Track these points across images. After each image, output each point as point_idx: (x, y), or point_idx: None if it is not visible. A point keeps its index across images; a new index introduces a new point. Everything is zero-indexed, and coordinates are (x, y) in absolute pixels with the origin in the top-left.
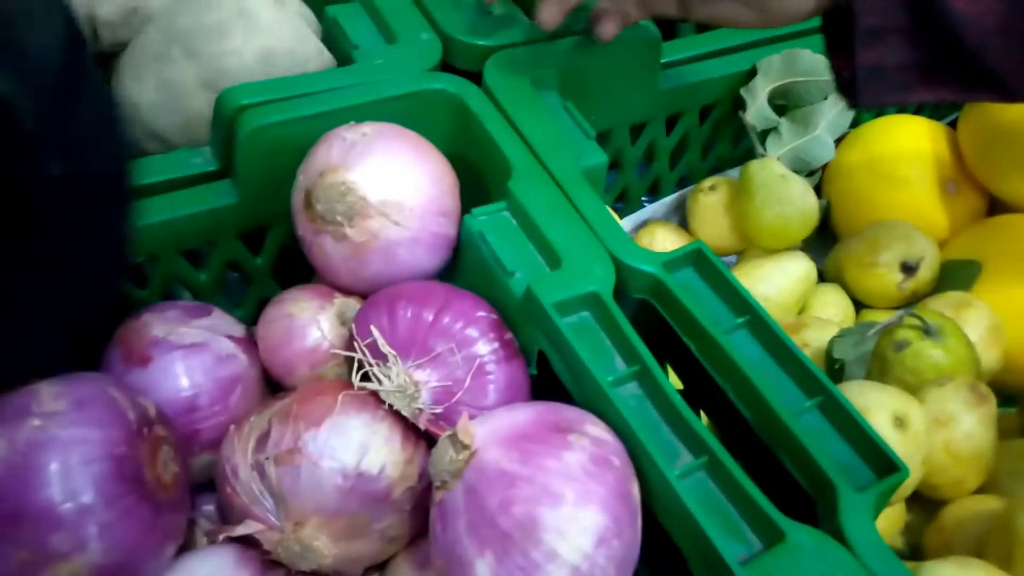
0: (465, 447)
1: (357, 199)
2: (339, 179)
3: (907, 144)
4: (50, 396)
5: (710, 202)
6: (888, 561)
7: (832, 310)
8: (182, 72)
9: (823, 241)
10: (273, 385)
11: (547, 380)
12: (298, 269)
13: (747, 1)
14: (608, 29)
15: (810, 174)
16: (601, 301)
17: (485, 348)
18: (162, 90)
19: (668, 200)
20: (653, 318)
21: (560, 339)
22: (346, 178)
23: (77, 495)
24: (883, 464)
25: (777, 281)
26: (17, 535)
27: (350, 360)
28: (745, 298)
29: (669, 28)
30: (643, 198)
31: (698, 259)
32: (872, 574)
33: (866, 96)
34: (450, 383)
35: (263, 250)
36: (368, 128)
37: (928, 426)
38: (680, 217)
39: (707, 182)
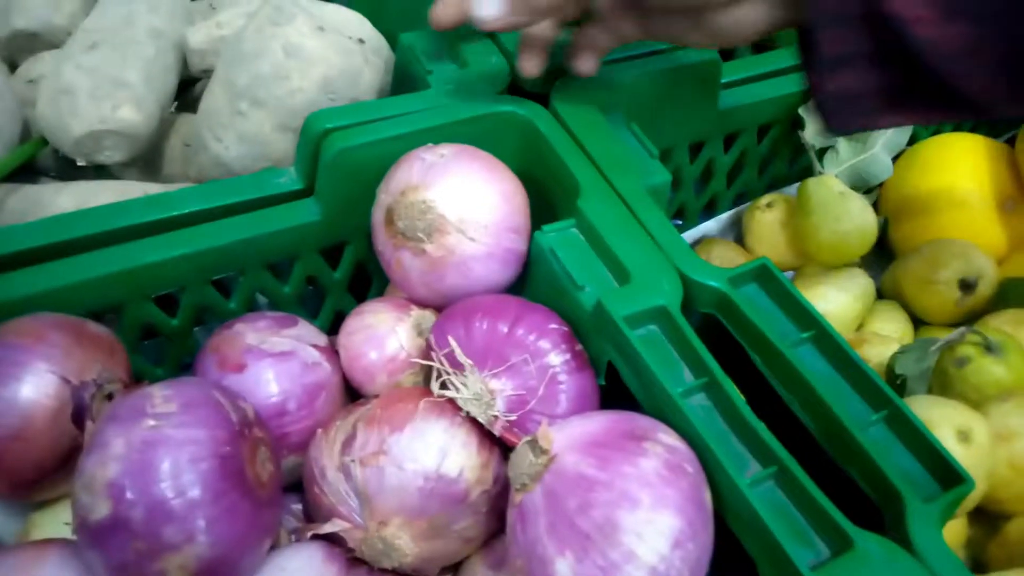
0: (544, 452)
1: (436, 216)
2: (419, 197)
3: (964, 162)
4: (161, 399)
5: (767, 219)
6: (956, 570)
7: (891, 326)
8: (257, 123)
9: (881, 258)
10: (352, 392)
11: (616, 391)
12: (370, 283)
13: (696, 22)
14: (586, 65)
15: (868, 191)
16: (669, 315)
17: (557, 359)
18: (244, 143)
19: (725, 217)
20: (718, 332)
21: (630, 351)
22: (426, 196)
23: (187, 491)
24: (949, 476)
25: (835, 298)
26: (133, 527)
27: (427, 369)
28: (810, 313)
29: (726, 50)
30: (700, 215)
31: (763, 275)
32: None
33: (836, 121)
34: (524, 392)
35: (340, 264)
36: (445, 149)
37: (991, 440)
38: (736, 234)
39: (764, 199)
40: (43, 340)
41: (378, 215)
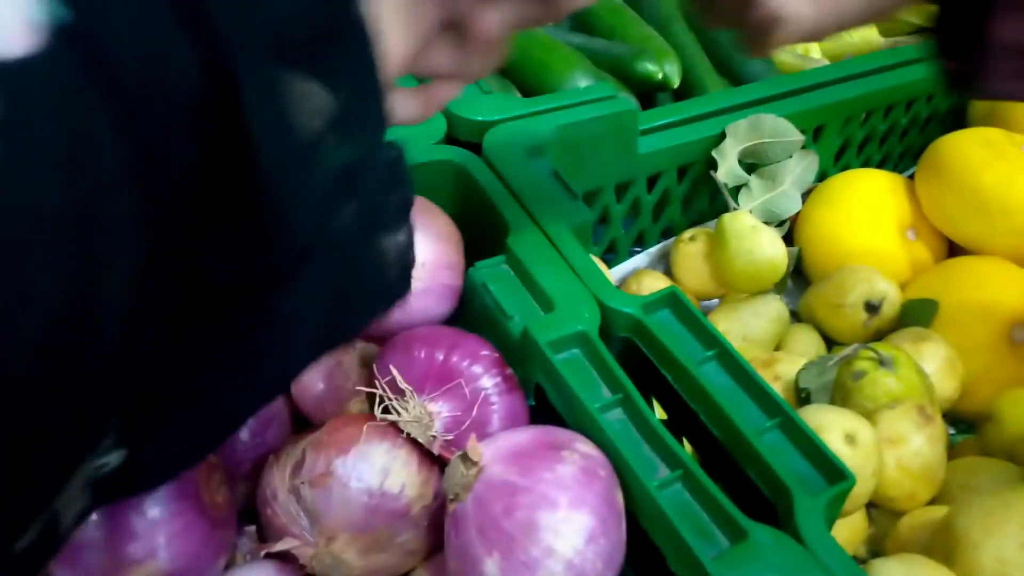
0: (474, 464)
1: None
2: None
3: (867, 194)
4: None
5: (691, 251)
6: (837, 555)
7: (805, 347)
8: None
9: (798, 284)
10: (300, 420)
11: (543, 409)
12: None
13: None
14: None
15: (780, 224)
16: (589, 339)
17: (489, 382)
18: None
19: (653, 250)
20: (635, 354)
21: (554, 373)
22: None
23: (148, 510)
24: (834, 473)
25: (753, 323)
26: (101, 543)
27: (372, 396)
28: (714, 334)
29: (649, 98)
30: (630, 249)
31: (673, 301)
32: (822, 566)
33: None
34: (459, 413)
35: None
36: None
37: (877, 442)
38: (665, 266)
39: (687, 233)
40: None
41: None
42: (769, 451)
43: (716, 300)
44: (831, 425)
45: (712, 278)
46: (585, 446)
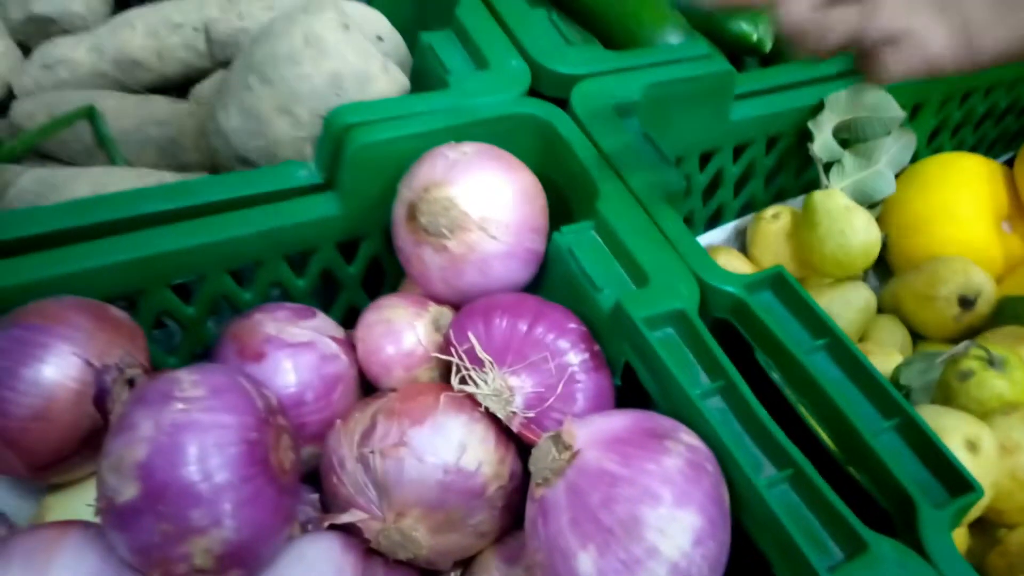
0: (567, 447)
1: (459, 213)
2: (442, 194)
3: (964, 181)
4: (190, 383)
5: (773, 229)
6: (966, 574)
7: (890, 340)
8: (260, 99)
9: (879, 273)
10: (367, 385)
11: (631, 391)
12: (384, 279)
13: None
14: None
15: (871, 207)
16: (687, 318)
17: (575, 358)
18: (245, 117)
19: (730, 226)
20: (731, 337)
21: (649, 352)
22: (449, 193)
23: (215, 474)
24: (958, 484)
25: (839, 310)
26: (161, 509)
27: (444, 364)
28: (825, 321)
29: (734, 62)
30: (706, 223)
31: (778, 282)
32: None
33: None
34: (542, 389)
35: (356, 259)
36: (468, 148)
37: (998, 451)
38: (741, 243)
39: (770, 210)
40: (66, 322)
41: (400, 211)
42: (887, 454)
43: None
44: (952, 429)
45: (793, 259)
46: (690, 437)
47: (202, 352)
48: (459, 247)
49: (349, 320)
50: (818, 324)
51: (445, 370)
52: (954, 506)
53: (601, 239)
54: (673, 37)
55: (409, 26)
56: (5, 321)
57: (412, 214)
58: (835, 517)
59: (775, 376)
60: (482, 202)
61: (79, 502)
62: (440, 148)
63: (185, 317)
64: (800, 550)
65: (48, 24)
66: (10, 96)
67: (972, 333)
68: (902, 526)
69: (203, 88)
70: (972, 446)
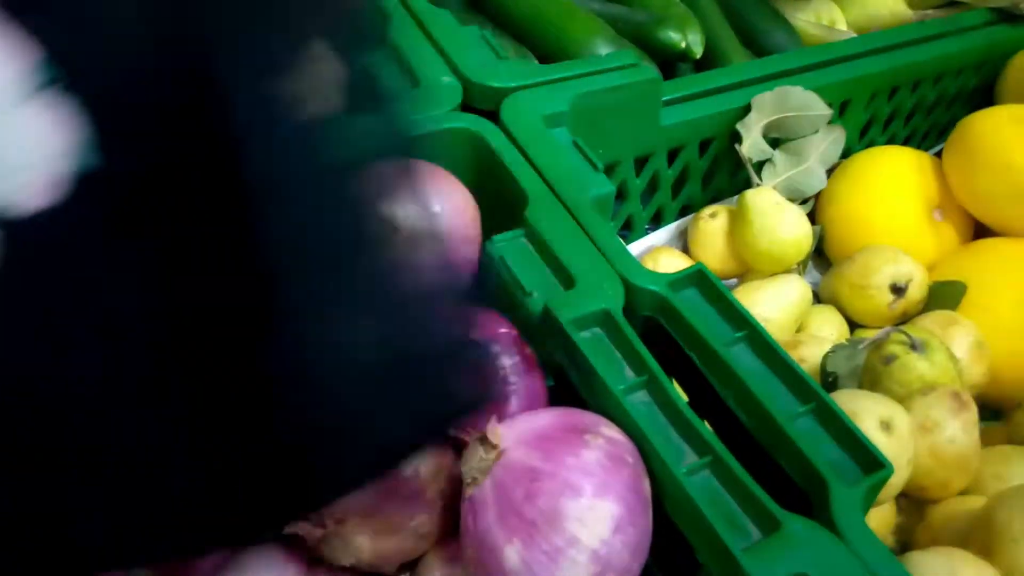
0: (493, 447)
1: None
2: None
3: (894, 173)
4: None
5: (710, 229)
6: (875, 548)
7: (828, 329)
8: None
9: (819, 264)
10: None
11: (564, 391)
12: None
13: None
14: None
15: (803, 202)
16: (612, 318)
17: (508, 361)
18: None
19: (671, 227)
20: (659, 334)
21: (576, 352)
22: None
23: None
24: (870, 462)
25: (775, 303)
26: None
27: None
28: (743, 314)
29: (669, 68)
30: (647, 226)
31: (700, 279)
32: (860, 559)
33: None
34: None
35: None
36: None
37: (912, 430)
38: (683, 243)
39: (707, 210)
40: None
41: None
42: (802, 437)
43: (735, 280)
44: (866, 411)
45: (732, 257)
46: (610, 430)
47: None
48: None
49: None
50: (737, 317)
51: None
52: (865, 483)
53: (531, 246)
54: (602, 48)
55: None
56: None
57: None
58: (751, 499)
59: (701, 368)
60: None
61: None
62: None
63: None
64: (717, 532)
65: None
66: None
67: (905, 319)
68: (817, 506)
69: None
70: (886, 426)
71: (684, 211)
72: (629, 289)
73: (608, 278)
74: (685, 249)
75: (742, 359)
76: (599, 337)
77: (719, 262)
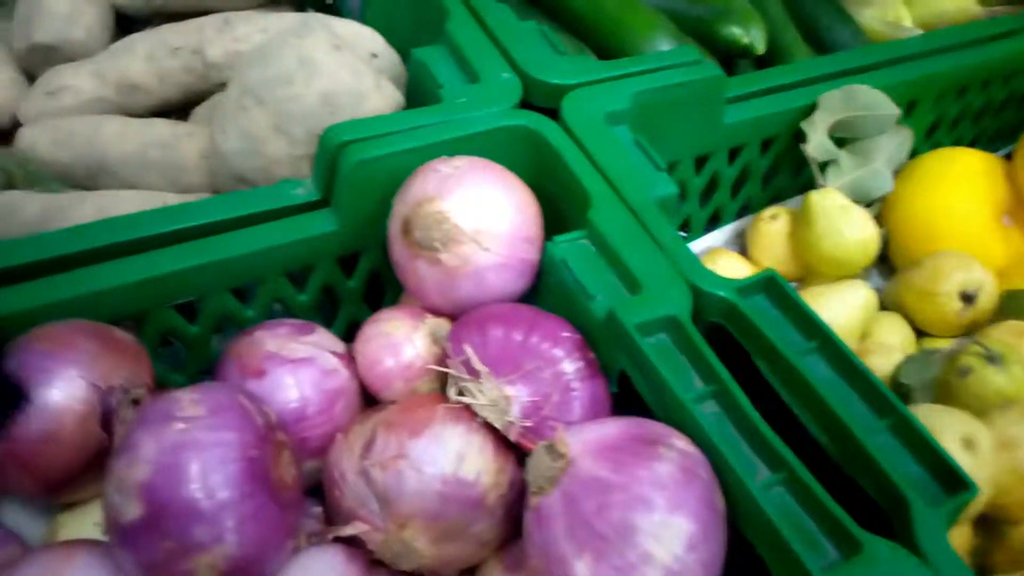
0: (561, 455)
1: (451, 227)
2: (435, 208)
3: (962, 176)
4: (189, 402)
5: (771, 230)
6: (962, 573)
7: (893, 338)
8: (256, 120)
9: (883, 270)
10: (368, 397)
11: (627, 398)
12: (384, 292)
13: None
14: None
15: (869, 205)
16: (680, 324)
17: (570, 366)
18: (242, 138)
19: (729, 228)
20: (725, 341)
21: (642, 359)
22: (441, 207)
23: (216, 491)
24: (954, 482)
25: (839, 309)
26: (164, 527)
27: (443, 376)
28: (816, 323)
29: (728, 63)
30: (705, 226)
31: (770, 286)
32: None
33: None
34: (538, 398)
35: (355, 274)
36: (459, 161)
37: (995, 448)
38: (741, 245)
39: (768, 211)
40: (72, 346)
41: (395, 226)
42: (882, 454)
43: (795, 284)
44: (946, 427)
45: (793, 260)
46: (682, 442)
47: (208, 369)
48: (453, 260)
49: (351, 334)
50: (810, 326)
51: (444, 382)
52: (949, 504)
53: (594, 248)
54: (663, 44)
55: (404, 43)
56: (14, 347)
57: (406, 229)
58: (830, 518)
59: (770, 379)
60: (474, 214)
61: (89, 521)
62: (432, 163)
63: (189, 336)
64: (795, 551)
65: (50, 52)
66: (15, 124)
67: (975, 329)
68: (898, 526)
69: (202, 110)
70: (968, 444)
71: (743, 211)
72: (696, 294)
73: (674, 282)
74: (743, 250)
75: (815, 369)
76: (666, 344)
77: (779, 265)
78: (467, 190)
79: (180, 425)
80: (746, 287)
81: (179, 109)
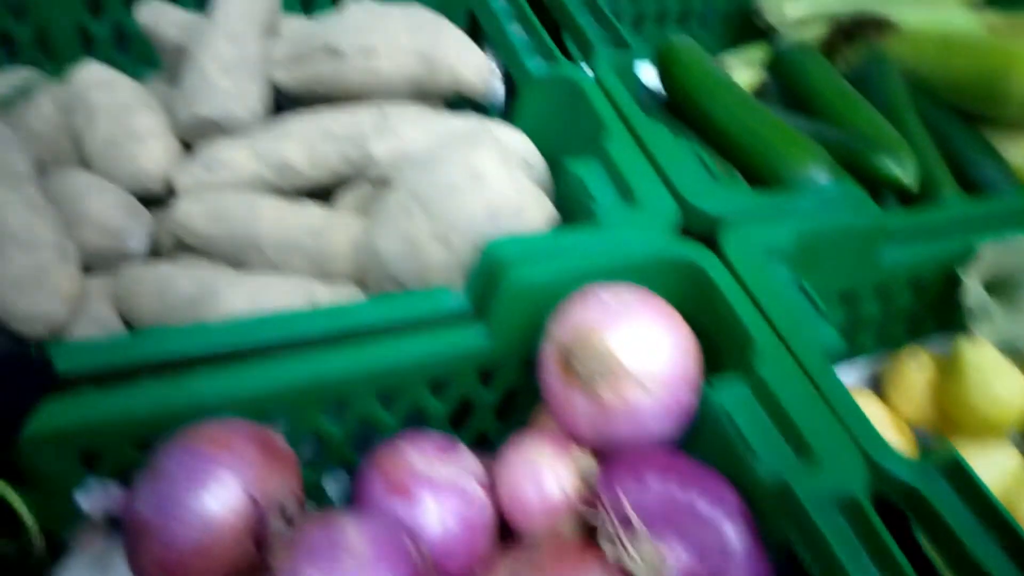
0: None
1: (615, 363)
2: (599, 341)
3: None
4: (355, 535)
5: (913, 375)
6: None
7: None
8: (419, 226)
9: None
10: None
11: (790, 571)
12: (515, 406)
13: None
14: None
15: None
16: (859, 506)
17: (732, 532)
18: (401, 241)
19: (864, 364)
20: (896, 521)
21: (819, 540)
22: (605, 341)
23: None
24: None
25: (984, 473)
26: None
27: (587, 514)
28: (1008, 522)
29: (878, 193)
30: (839, 361)
31: (956, 472)
32: None
33: None
34: (697, 566)
35: (493, 388)
36: (624, 292)
37: None
38: (876, 383)
39: (911, 353)
40: (233, 452)
41: (551, 351)
42: None
43: (930, 430)
44: None
45: (933, 409)
46: None
47: (341, 466)
48: (612, 397)
49: (480, 445)
50: (999, 523)
51: (586, 522)
52: None
53: (757, 399)
54: (819, 175)
55: (551, 149)
56: (173, 444)
57: (565, 358)
58: None
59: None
60: (639, 353)
61: None
62: (595, 289)
63: (330, 436)
64: None
65: (211, 126)
66: (167, 190)
67: None
68: None
69: (349, 198)
70: None
71: (879, 347)
72: (871, 467)
73: (848, 451)
74: (876, 387)
75: (1000, 568)
76: (841, 525)
77: (917, 412)
78: (633, 326)
79: (348, 561)
80: (928, 468)
81: (322, 191)
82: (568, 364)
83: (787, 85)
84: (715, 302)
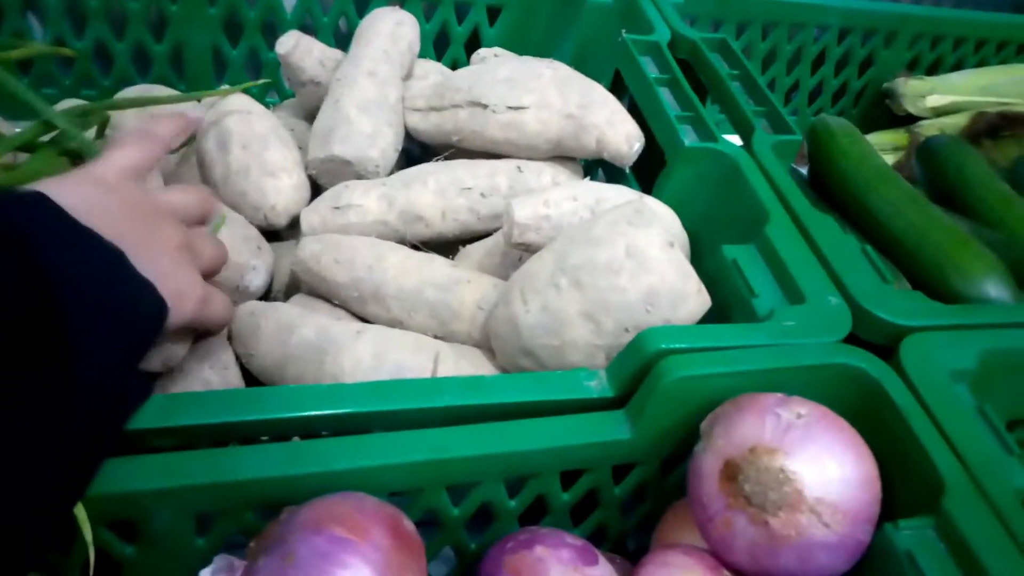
0: None
1: (793, 490)
2: (776, 463)
3: None
4: None
5: None
6: None
7: None
8: (567, 301)
9: None
10: None
11: None
12: (640, 505)
13: None
14: None
15: None
16: None
17: None
18: (545, 314)
19: None
20: None
21: None
22: (784, 465)
23: None
24: None
25: None
26: None
27: None
28: None
29: None
30: None
31: None
32: None
33: None
34: None
35: (624, 484)
36: (802, 408)
37: None
38: None
39: None
40: (368, 538)
41: (711, 462)
42: None
43: None
44: None
45: None
46: None
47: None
48: (783, 527)
49: (595, 540)
50: None
51: None
52: None
53: (947, 549)
54: (992, 288)
55: (695, 228)
56: (303, 523)
57: (732, 474)
58: None
59: None
60: (821, 482)
61: None
62: (766, 400)
63: (449, 518)
64: None
65: (344, 166)
66: (292, 225)
67: None
68: None
69: (473, 255)
70: None
71: None
72: None
73: None
74: None
75: None
76: None
77: None
78: (817, 450)
79: None
80: None
81: (447, 243)
82: (734, 481)
83: (935, 178)
84: (894, 424)
